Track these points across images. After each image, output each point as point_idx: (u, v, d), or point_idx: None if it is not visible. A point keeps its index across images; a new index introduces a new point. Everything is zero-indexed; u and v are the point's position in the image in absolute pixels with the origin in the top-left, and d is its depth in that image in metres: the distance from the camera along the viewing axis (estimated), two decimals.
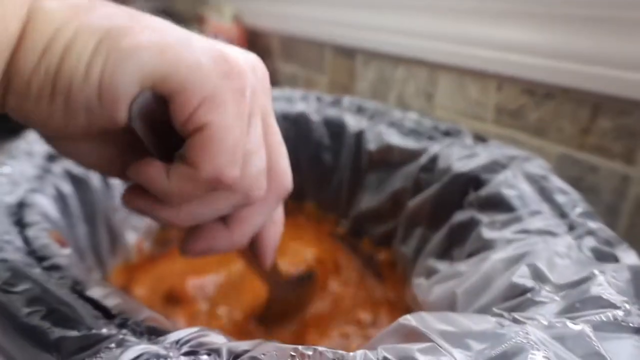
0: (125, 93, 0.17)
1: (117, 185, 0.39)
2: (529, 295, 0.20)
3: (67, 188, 0.34)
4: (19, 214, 0.27)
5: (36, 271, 0.22)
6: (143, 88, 0.17)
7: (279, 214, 0.25)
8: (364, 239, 0.43)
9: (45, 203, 0.30)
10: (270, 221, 0.24)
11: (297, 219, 0.47)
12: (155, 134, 0.20)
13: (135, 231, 0.42)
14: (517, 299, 0.21)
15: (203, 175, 0.18)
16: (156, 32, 0.17)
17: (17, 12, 0.16)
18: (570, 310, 0.19)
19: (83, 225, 0.35)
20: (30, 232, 0.26)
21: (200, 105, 0.18)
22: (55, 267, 0.23)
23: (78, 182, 0.35)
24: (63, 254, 0.25)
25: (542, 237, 0.24)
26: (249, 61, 0.20)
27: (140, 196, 0.21)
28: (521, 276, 0.21)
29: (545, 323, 0.17)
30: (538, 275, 0.21)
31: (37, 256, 0.24)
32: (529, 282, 0.21)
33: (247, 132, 0.19)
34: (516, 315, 0.19)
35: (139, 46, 0.17)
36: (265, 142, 0.21)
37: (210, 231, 0.22)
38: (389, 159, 0.39)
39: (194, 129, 0.18)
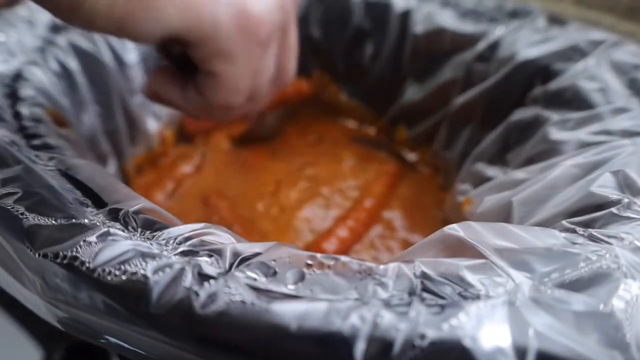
0: (146, 39, 0.18)
1: (133, 64, 0.35)
2: (613, 209, 0.16)
3: (73, 64, 0.30)
4: (12, 87, 0.24)
5: (22, 149, 0.19)
6: (164, 37, 0.18)
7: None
8: (402, 139, 0.38)
9: (44, 78, 0.27)
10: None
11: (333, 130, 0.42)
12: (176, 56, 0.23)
13: (156, 119, 0.39)
14: (594, 214, 0.16)
15: (211, 104, 0.22)
16: None
17: None
18: None
19: (94, 107, 0.32)
20: (23, 108, 0.23)
21: (215, 56, 0.20)
22: (45, 147, 0.20)
23: (87, 58, 0.31)
24: (58, 133, 0.22)
25: (631, 139, 0.19)
26: (273, 6, 0.20)
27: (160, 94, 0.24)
28: (603, 186, 0.17)
29: None
30: (627, 186, 0.17)
31: (27, 133, 0.21)
32: (614, 194, 0.17)
33: (262, 57, 0.21)
34: (594, 232, 0.15)
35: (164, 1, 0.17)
36: (279, 51, 0.23)
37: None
38: (438, 45, 0.33)
39: (207, 72, 0.21)
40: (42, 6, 0.17)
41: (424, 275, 0.14)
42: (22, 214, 0.15)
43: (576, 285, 0.13)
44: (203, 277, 0.13)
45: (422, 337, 0.11)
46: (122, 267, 0.13)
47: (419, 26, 0.34)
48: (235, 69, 0.20)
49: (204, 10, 0.18)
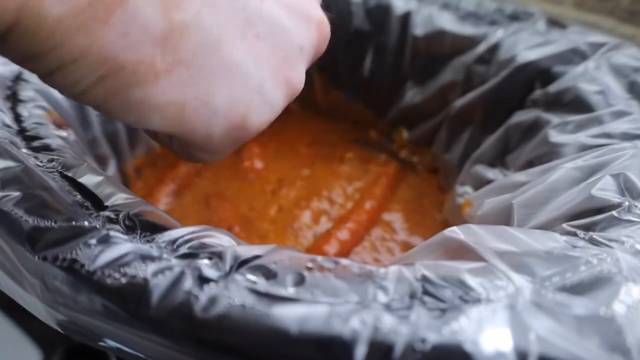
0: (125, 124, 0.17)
1: None
2: (613, 213, 0.16)
3: None
4: (13, 89, 0.24)
5: (21, 151, 0.19)
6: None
7: None
8: (402, 141, 0.38)
9: None
10: None
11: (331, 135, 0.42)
12: None
13: None
14: (595, 217, 0.16)
15: (183, 159, 0.19)
16: (179, 81, 0.14)
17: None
18: None
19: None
20: (24, 109, 0.23)
21: (198, 150, 0.17)
22: (45, 149, 0.20)
23: None
24: (58, 135, 0.22)
25: (632, 142, 0.19)
26: (275, 107, 0.17)
27: None
28: (603, 189, 0.17)
29: None
30: (628, 189, 0.17)
31: (27, 135, 0.21)
32: (615, 197, 0.17)
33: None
34: (595, 235, 0.15)
35: (150, 107, 0.14)
36: None
37: None
38: (439, 48, 0.33)
39: (187, 153, 0.18)
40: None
41: (425, 279, 0.14)
42: (22, 216, 0.15)
43: (577, 289, 0.13)
44: (203, 280, 0.13)
45: (423, 341, 0.11)
46: (122, 270, 0.13)
47: (419, 28, 0.34)
48: (216, 158, 0.18)
49: (197, 125, 0.16)
